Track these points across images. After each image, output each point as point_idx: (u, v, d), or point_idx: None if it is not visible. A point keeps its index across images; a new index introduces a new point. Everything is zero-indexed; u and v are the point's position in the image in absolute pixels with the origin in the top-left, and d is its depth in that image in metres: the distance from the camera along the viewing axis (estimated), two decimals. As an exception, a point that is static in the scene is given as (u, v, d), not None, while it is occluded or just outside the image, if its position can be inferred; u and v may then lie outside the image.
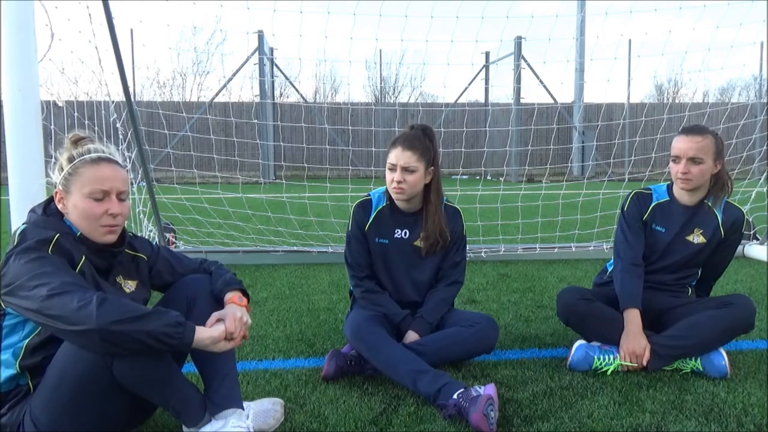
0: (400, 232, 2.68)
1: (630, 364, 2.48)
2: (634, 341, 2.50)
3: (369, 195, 2.75)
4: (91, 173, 1.76)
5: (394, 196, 2.63)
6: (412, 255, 2.69)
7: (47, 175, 1.93)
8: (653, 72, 22.82)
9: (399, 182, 2.53)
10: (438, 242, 2.65)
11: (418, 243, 2.68)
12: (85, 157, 1.78)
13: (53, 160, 1.85)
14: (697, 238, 2.70)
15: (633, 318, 2.57)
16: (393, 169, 2.54)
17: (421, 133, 2.58)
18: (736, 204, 2.74)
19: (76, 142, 1.84)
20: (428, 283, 2.74)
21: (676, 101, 25.54)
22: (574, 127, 17.36)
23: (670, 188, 2.78)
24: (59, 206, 1.80)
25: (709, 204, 2.68)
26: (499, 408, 2.12)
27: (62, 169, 1.79)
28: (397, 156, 2.52)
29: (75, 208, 1.76)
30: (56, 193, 1.80)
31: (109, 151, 1.83)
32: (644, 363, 2.48)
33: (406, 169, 2.51)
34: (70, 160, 1.78)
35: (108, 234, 1.80)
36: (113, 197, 1.78)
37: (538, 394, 2.29)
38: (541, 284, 4.21)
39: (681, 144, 2.59)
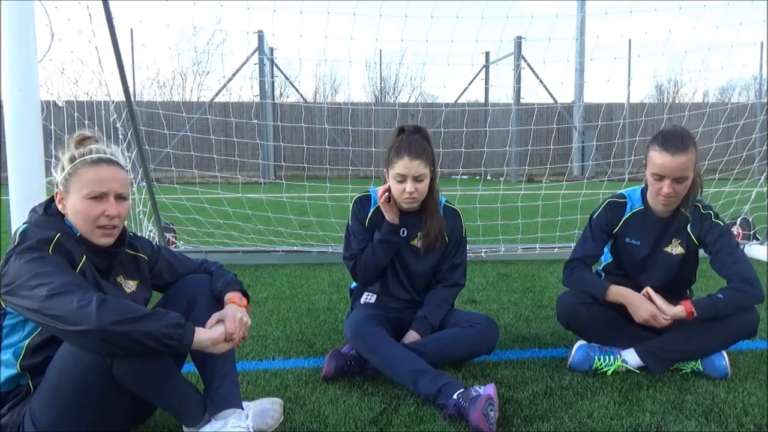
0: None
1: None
2: (643, 306, 2.39)
3: (369, 191, 2.74)
4: (90, 174, 1.76)
5: (405, 206, 2.59)
6: (409, 254, 2.69)
7: (49, 174, 1.93)
8: (653, 72, 22.72)
9: (411, 193, 2.49)
10: (437, 239, 2.65)
11: (415, 242, 2.67)
12: (85, 157, 1.78)
13: (53, 160, 1.85)
14: (675, 249, 2.60)
15: (619, 289, 2.48)
16: (403, 180, 2.49)
17: (420, 137, 2.54)
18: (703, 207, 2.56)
19: (81, 141, 1.83)
20: (423, 283, 2.74)
21: (676, 101, 25.54)
22: (574, 127, 17.36)
23: (644, 193, 2.62)
24: (59, 206, 1.80)
25: (684, 211, 2.53)
26: (499, 408, 2.11)
27: (63, 169, 1.79)
28: (406, 167, 2.46)
29: (73, 209, 1.77)
30: (57, 193, 1.81)
31: (110, 152, 1.83)
32: (665, 321, 2.34)
33: (416, 178, 2.48)
34: (72, 160, 1.79)
35: (104, 237, 1.79)
36: (111, 199, 1.78)
37: (538, 394, 2.29)
38: (541, 284, 4.21)
39: (666, 162, 2.34)
